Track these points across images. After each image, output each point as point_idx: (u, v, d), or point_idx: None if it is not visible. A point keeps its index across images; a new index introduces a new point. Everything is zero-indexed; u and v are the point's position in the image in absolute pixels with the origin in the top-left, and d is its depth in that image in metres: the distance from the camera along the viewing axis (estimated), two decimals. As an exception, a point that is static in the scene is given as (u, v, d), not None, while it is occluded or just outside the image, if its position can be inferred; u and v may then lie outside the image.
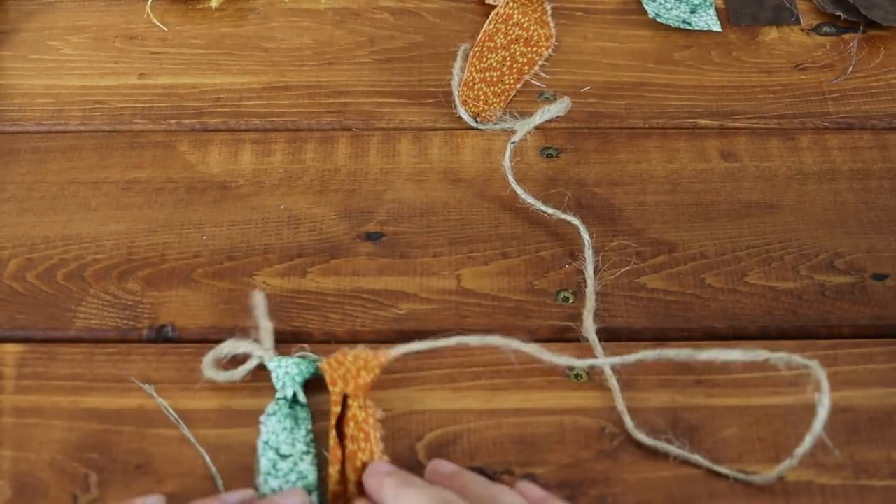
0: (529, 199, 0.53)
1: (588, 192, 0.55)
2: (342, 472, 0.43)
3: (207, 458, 0.44)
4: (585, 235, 0.51)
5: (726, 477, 0.44)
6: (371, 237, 0.53)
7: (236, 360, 0.47)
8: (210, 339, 0.48)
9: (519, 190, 0.53)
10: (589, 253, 0.51)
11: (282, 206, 0.55)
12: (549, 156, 0.57)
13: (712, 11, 0.64)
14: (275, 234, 0.53)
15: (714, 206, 0.54)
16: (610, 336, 0.49)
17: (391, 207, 0.55)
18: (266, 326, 0.47)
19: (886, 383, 0.47)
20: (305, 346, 0.48)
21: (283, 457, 0.43)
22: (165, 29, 0.64)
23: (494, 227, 0.53)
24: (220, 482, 0.43)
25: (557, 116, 0.56)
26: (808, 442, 0.43)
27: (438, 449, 0.45)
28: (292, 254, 0.52)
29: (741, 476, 0.43)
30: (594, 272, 0.50)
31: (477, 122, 0.58)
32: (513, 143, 0.54)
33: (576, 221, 0.52)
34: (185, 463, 0.44)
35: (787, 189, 0.55)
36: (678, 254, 0.52)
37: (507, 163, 0.54)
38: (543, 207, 0.52)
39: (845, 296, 0.51)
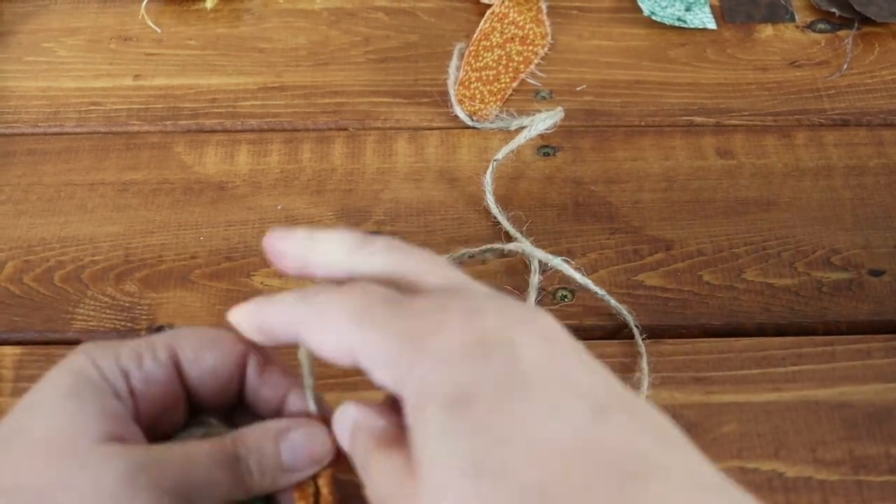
0: (502, 221, 0.53)
1: (585, 190, 0.55)
2: None
3: None
4: (534, 262, 0.51)
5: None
6: (368, 237, 0.53)
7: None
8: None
9: (494, 208, 0.53)
10: (534, 279, 0.50)
11: (279, 207, 0.54)
12: (546, 154, 0.57)
13: (707, 9, 0.65)
14: (272, 234, 0.53)
15: (711, 204, 0.55)
16: (607, 334, 0.49)
17: (388, 207, 0.55)
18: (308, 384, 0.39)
19: (884, 379, 0.47)
20: None
21: None
22: (160, 30, 0.64)
23: (491, 225, 0.54)
24: None
25: (548, 128, 0.56)
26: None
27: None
28: (290, 254, 0.52)
29: None
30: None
31: (473, 120, 0.58)
32: (496, 160, 0.54)
33: (526, 248, 0.51)
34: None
35: (784, 186, 0.55)
36: (675, 251, 0.52)
37: (487, 178, 0.54)
38: (509, 228, 0.53)
39: (842, 292, 0.51)
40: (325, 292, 0.34)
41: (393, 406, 0.37)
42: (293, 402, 0.38)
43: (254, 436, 0.36)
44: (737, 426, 0.45)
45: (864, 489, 0.43)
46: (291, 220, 0.54)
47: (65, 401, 0.34)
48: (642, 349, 0.48)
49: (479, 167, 0.56)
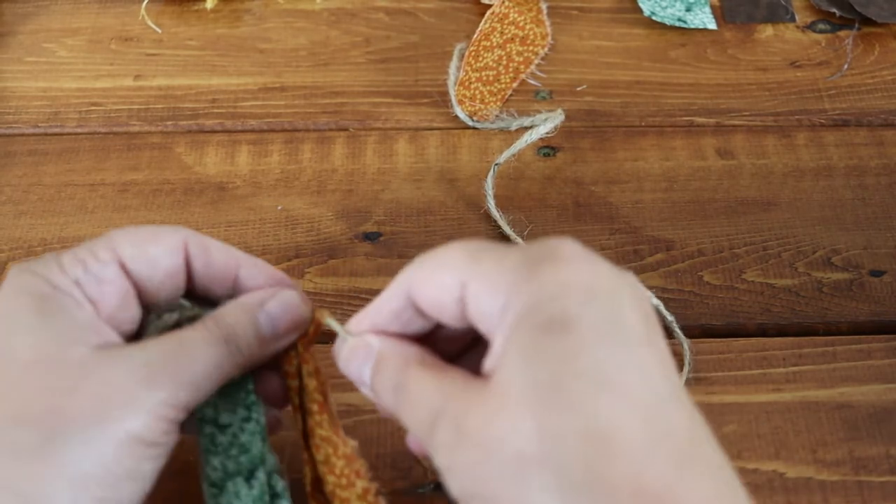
0: (503, 226, 0.53)
1: (585, 190, 0.55)
2: (308, 449, 0.39)
3: None
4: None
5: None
6: (369, 237, 0.53)
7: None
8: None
9: (494, 212, 0.53)
10: None
11: (279, 207, 0.55)
12: (546, 155, 0.57)
13: (707, 9, 0.65)
14: (272, 234, 0.53)
15: (711, 204, 0.55)
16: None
17: (388, 207, 0.55)
18: None
19: (885, 379, 0.47)
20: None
21: (222, 428, 0.38)
22: (160, 30, 0.64)
23: (492, 226, 0.54)
24: None
25: (548, 132, 0.56)
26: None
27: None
28: (290, 254, 0.52)
29: None
30: None
31: (473, 121, 0.58)
32: (496, 164, 0.54)
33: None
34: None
35: (784, 186, 0.55)
36: (676, 251, 0.52)
37: (488, 182, 0.54)
38: (510, 232, 0.53)
39: (843, 292, 0.51)
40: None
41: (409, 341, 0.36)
42: (246, 277, 0.39)
43: (233, 313, 0.37)
44: (737, 427, 0.45)
45: (865, 490, 0.43)
46: (292, 221, 0.54)
47: (38, 318, 0.34)
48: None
49: (480, 167, 0.56)
